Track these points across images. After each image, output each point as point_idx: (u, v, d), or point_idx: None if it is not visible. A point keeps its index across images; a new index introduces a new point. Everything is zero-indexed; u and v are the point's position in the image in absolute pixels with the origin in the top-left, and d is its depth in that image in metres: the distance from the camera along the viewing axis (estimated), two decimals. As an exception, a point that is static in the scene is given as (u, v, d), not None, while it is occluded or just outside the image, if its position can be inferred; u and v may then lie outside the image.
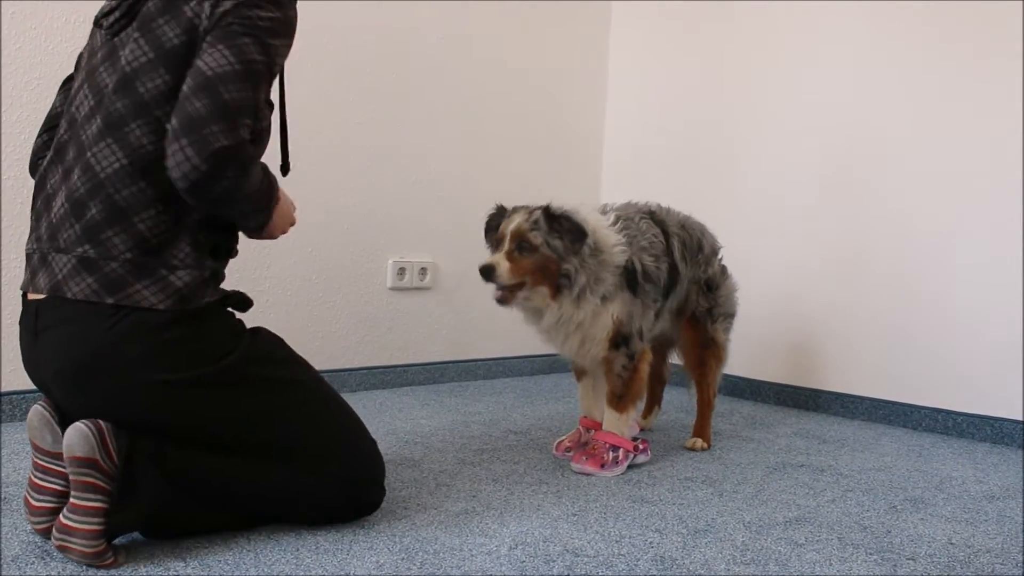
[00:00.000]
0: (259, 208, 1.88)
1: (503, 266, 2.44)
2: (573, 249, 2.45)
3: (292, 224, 2.06)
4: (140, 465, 1.82)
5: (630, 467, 2.67)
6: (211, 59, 1.76)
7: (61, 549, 1.75)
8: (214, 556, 1.84)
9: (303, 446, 1.96)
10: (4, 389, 2.86)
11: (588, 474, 2.56)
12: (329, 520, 2.06)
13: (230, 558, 1.83)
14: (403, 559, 1.88)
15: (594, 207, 2.69)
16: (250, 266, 3.38)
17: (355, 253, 3.69)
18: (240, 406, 1.90)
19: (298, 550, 1.90)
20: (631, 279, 2.57)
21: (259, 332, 2.02)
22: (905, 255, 3.45)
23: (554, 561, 1.91)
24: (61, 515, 1.76)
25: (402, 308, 3.88)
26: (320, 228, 3.57)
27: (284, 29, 1.87)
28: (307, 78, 3.46)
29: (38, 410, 1.86)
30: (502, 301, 2.48)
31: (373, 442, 2.12)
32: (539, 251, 2.44)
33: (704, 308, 2.93)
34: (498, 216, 2.59)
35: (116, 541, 1.83)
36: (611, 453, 2.60)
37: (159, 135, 1.78)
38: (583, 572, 1.86)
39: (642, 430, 3.18)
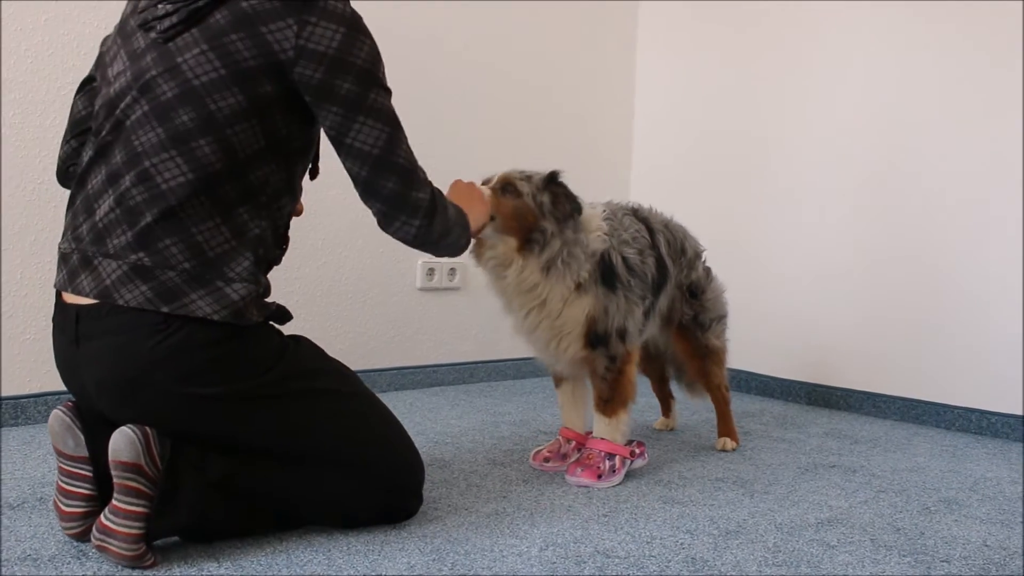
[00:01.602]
0: (463, 226, 2.10)
1: (485, 193, 2.39)
2: (558, 213, 2.40)
3: (485, 209, 2.30)
4: (184, 472, 1.83)
5: (646, 469, 2.66)
6: (367, 137, 1.87)
7: (100, 549, 1.77)
8: (247, 557, 1.85)
9: (343, 454, 1.97)
10: (4, 394, 2.88)
11: (584, 486, 2.46)
12: (364, 525, 2.06)
13: (263, 559, 1.85)
14: (434, 560, 1.89)
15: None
16: (281, 268, 3.38)
17: (385, 254, 3.70)
18: (283, 417, 1.91)
19: (330, 551, 1.91)
20: (607, 272, 2.46)
21: (300, 343, 2.03)
22: (938, 254, 3.42)
23: (585, 562, 1.91)
24: (102, 516, 1.77)
25: (431, 308, 3.89)
26: (350, 230, 3.59)
27: (374, 49, 1.90)
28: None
29: (58, 415, 1.86)
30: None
31: (414, 451, 2.11)
32: (520, 197, 2.38)
33: (690, 316, 2.85)
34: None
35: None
36: (607, 462, 2.50)
37: (228, 153, 1.80)
38: (614, 573, 1.85)
39: (671, 430, 3.19)
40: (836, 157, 3.72)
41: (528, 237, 2.39)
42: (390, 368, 3.74)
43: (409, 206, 1.92)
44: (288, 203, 1.98)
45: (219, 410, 1.84)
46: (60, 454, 1.87)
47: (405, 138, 1.95)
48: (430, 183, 1.98)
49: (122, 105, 1.86)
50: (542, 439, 2.95)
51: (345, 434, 1.98)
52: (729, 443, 2.94)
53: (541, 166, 4.07)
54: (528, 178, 2.42)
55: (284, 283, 3.40)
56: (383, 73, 1.92)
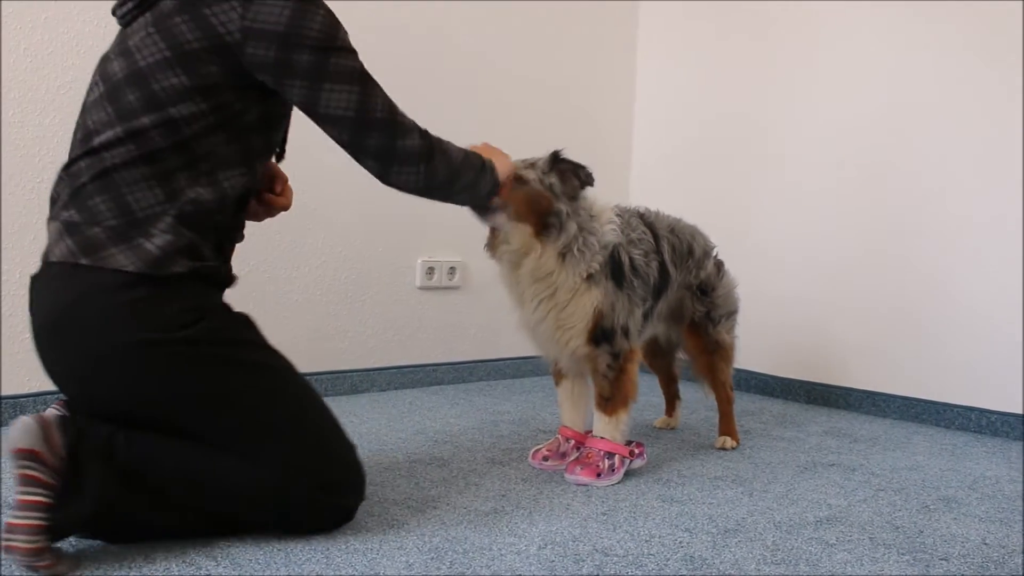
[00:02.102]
0: (479, 169, 2.09)
1: None
2: (571, 189, 2.41)
3: (506, 164, 2.26)
4: (88, 460, 1.75)
5: (645, 467, 2.66)
6: (337, 103, 1.87)
7: (8, 550, 1.67)
8: (245, 555, 1.85)
9: (266, 434, 1.88)
10: (4, 393, 2.87)
11: (584, 485, 2.45)
12: (299, 525, 1.96)
13: (261, 557, 1.85)
14: (432, 559, 1.89)
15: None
16: (281, 267, 3.40)
17: (384, 253, 3.70)
18: (201, 383, 1.84)
19: (328, 549, 1.91)
20: (616, 269, 2.47)
21: (237, 315, 1.98)
22: (938, 252, 3.42)
23: (584, 561, 1.91)
24: (9, 514, 1.69)
25: (431, 307, 3.89)
26: (349, 228, 3.59)
27: (328, 18, 1.88)
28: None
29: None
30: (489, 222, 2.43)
31: (350, 447, 2.02)
32: (530, 184, 2.37)
33: (702, 312, 2.87)
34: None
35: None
36: (606, 461, 2.49)
37: (172, 129, 1.82)
38: (613, 572, 1.85)
39: (671, 429, 3.18)
40: (836, 154, 3.72)
41: (545, 222, 2.39)
42: (389, 367, 3.74)
43: (400, 155, 1.92)
44: (238, 176, 1.93)
45: (131, 361, 1.79)
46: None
47: (379, 91, 1.92)
48: (418, 128, 1.96)
49: (88, 91, 1.94)
50: (541, 438, 2.95)
51: (270, 413, 1.89)
52: (729, 442, 2.94)
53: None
54: (532, 164, 2.42)
55: (283, 282, 3.41)
56: (343, 37, 1.90)
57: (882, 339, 3.59)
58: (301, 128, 3.38)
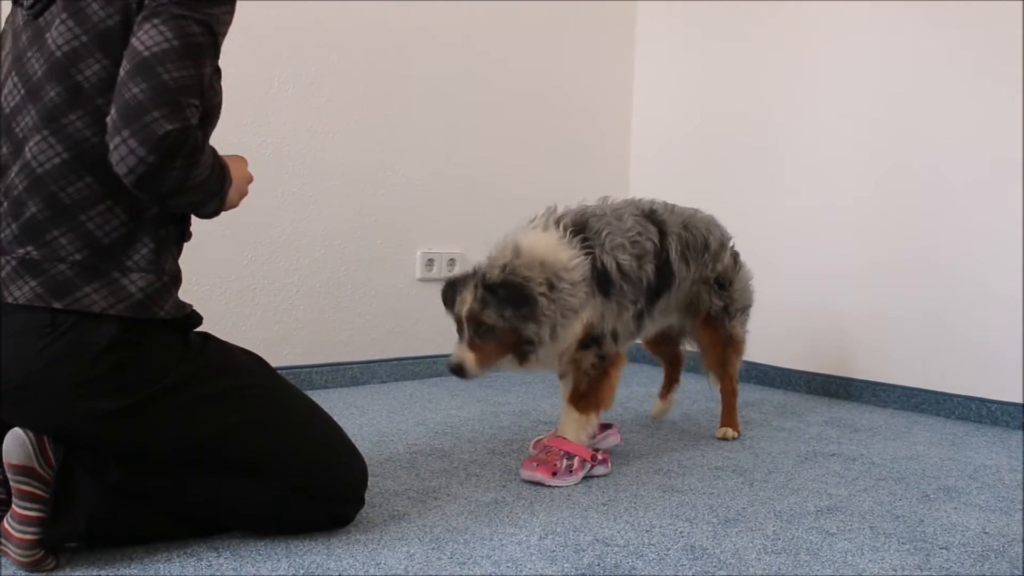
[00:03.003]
0: (212, 194, 1.72)
1: (469, 359, 2.30)
2: (522, 315, 2.29)
3: (244, 196, 1.88)
4: (80, 476, 1.72)
5: (646, 457, 2.66)
6: (146, 37, 1.61)
7: (3, 554, 1.69)
8: (246, 547, 1.86)
9: (264, 460, 1.84)
10: None
11: (537, 482, 2.37)
12: (296, 533, 1.94)
13: (262, 548, 1.85)
14: (433, 549, 1.89)
15: (544, 220, 2.47)
16: (279, 259, 3.40)
17: (383, 245, 3.70)
18: (191, 424, 1.77)
19: (329, 541, 1.91)
20: (602, 280, 2.41)
21: (209, 341, 1.87)
22: (938, 242, 3.41)
23: (584, 551, 1.91)
24: (5, 519, 1.69)
25: (431, 299, 3.86)
26: (348, 220, 3.59)
27: None
28: (336, 74, 3.48)
29: None
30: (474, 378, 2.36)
31: (352, 452, 1.98)
32: (496, 328, 2.29)
33: (720, 306, 2.85)
34: (451, 290, 2.41)
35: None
36: (565, 461, 2.41)
37: (102, 126, 1.64)
38: (613, 562, 1.86)
39: (666, 416, 3.17)
40: (835, 147, 3.72)
41: (521, 352, 2.35)
42: (390, 359, 3.74)
43: (142, 125, 1.55)
44: None
45: (118, 424, 1.71)
46: None
47: (197, 74, 1.65)
48: (190, 123, 1.61)
49: (4, 93, 1.77)
50: (542, 429, 2.95)
51: (267, 438, 1.84)
52: (731, 432, 2.94)
53: (541, 157, 4.10)
54: (483, 301, 2.28)
55: (283, 274, 3.41)
56: (218, 14, 1.70)
57: (882, 329, 3.59)
58: (300, 120, 3.40)
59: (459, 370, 2.31)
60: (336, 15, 3.48)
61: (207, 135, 1.81)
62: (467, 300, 2.32)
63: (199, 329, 1.88)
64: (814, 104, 3.79)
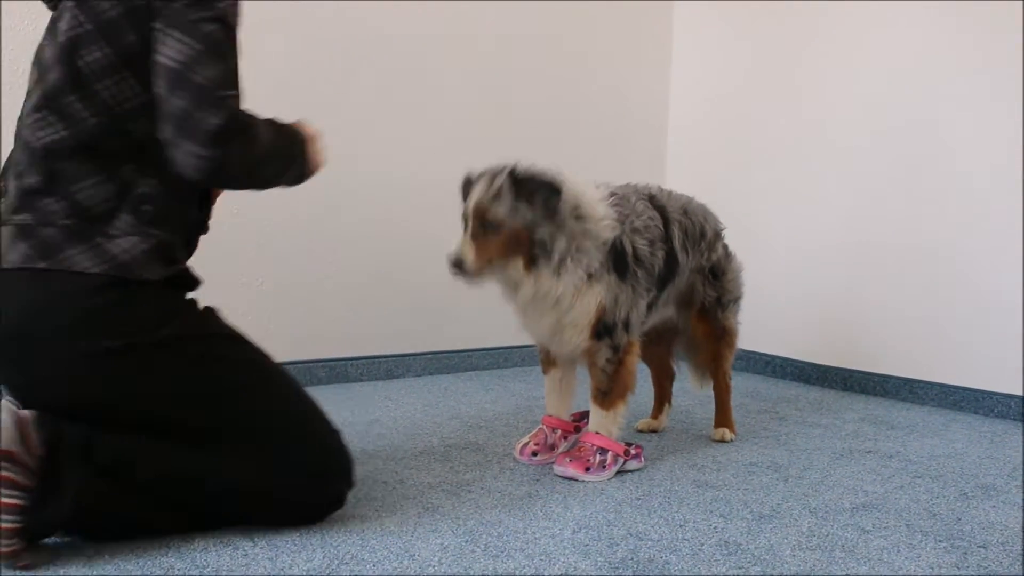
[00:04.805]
0: (291, 157, 1.90)
1: (470, 256, 2.23)
2: (547, 210, 2.23)
3: (322, 153, 2.03)
4: (65, 459, 1.71)
5: (680, 453, 2.65)
6: (171, 51, 1.71)
7: None
8: (282, 537, 1.87)
9: (251, 433, 1.86)
10: None
11: (571, 478, 2.35)
12: (288, 518, 1.93)
13: (297, 539, 1.87)
14: (467, 541, 1.90)
15: (588, 182, 2.45)
16: (315, 254, 3.42)
17: (418, 238, 3.71)
18: (178, 384, 1.81)
19: (363, 531, 1.93)
20: (619, 260, 2.36)
21: (210, 310, 1.94)
22: (975, 239, 3.37)
23: (618, 544, 1.91)
24: None
25: (466, 293, 3.86)
26: (384, 212, 3.60)
27: None
28: (369, 66, 3.49)
29: None
30: (471, 281, 2.29)
31: (335, 432, 1.98)
32: (505, 225, 2.22)
33: (713, 297, 2.75)
34: (467, 185, 2.37)
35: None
36: (598, 456, 2.38)
37: (100, 107, 1.77)
38: (647, 556, 1.86)
39: (653, 431, 2.93)
40: (875, 140, 3.68)
41: (531, 255, 2.27)
42: (425, 352, 3.76)
43: (193, 129, 1.69)
44: None
45: (103, 367, 1.74)
46: None
47: (226, 68, 1.76)
48: (234, 110, 1.74)
49: (29, 79, 1.90)
50: (576, 423, 2.95)
51: (254, 408, 1.87)
52: (728, 434, 2.83)
53: (577, 152, 4.09)
54: (497, 194, 2.24)
55: (318, 268, 3.43)
56: (226, 5, 1.77)
57: (920, 326, 3.55)
58: (336, 114, 3.42)
59: (458, 264, 2.24)
60: (363, 14, 3.49)
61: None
62: (477, 190, 2.27)
63: (209, 306, 1.94)
64: (852, 100, 3.75)
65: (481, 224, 2.24)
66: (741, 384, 3.70)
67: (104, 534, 1.80)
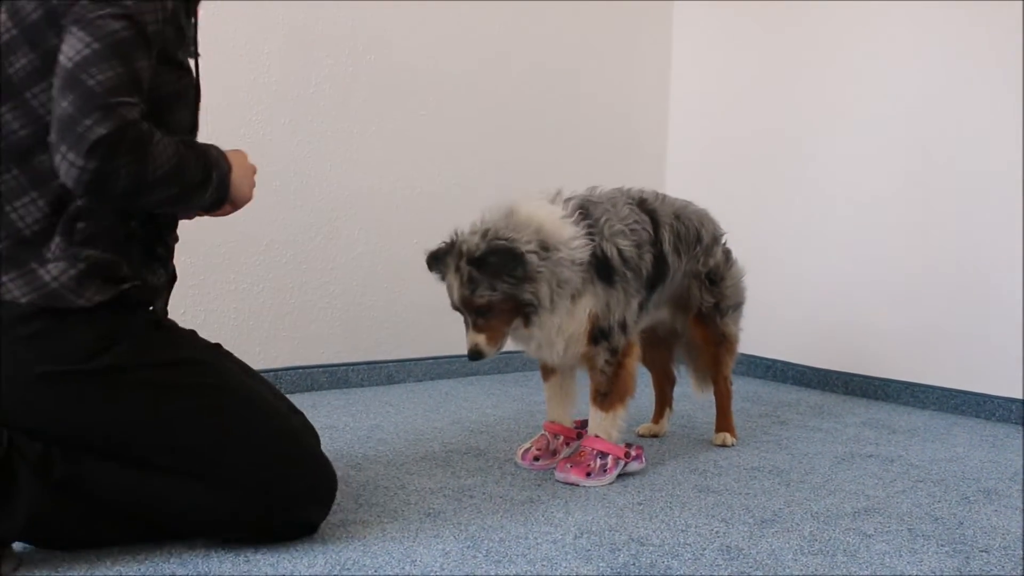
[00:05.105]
0: (195, 184, 1.71)
1: (483, 344, 2.29)
2: (517, 277, 2.23)
3: (254, 187, 1.88)
4: (21, 471, 1.69)
5: (682, 458, 2.65)
6: (68, 48, 1.59)
7: None
8: (283, 543, 1.87)
9: (208, 458, 1.78)
10: None
11: (573, 484, 2.35)
12: (252, 540, 1.86)
13: (299, 544, 1.87)
14: (469, 547, 1.90)
15: (550, 195, 2.43)
16: (317, 259, 3.43)
17: (420, 243, 3.70)
18: (126, 411, 1.73)
19: (365, 537, 1.92)
20: (602, 267, 2.36)
21: (162, 329, 1.85)
22: (976, 243, 3.37)
23: (620, 550, 1.91)
24: None
25: (467, 298, 3.89)
26: (386, 218, 3.60)
27: None
28: (371, 76, 3.50)
29: None
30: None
31: (312, 455, 1.90)
32: (495, 306, 2.26)
33: (711, 303, 2.73)
34: (433, 265, 2.41)
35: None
36: (599, 460, 2.38)
37: (31, 119, 1.66)
38: (648, 561, 1.86)
39: (655, 436, 2.93)
40: (876, 146, 3.68)
41: (524, 315, 2.30)
42: (427, 357, 3.76)
43: (75, 136, 1.54)
44: None
45: (38, 397, 1.68)
46: None
47: (126, 72, 1.60)
48: (126, 121, 1.58)
49: None
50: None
51: (206, 434, 1.78)
52: (729, 438, 2.83)
53: (578, 158, 4.09)
54: (471, 280, 2.25)
55: (320, 273, 3.43)
56: (139, 5, 1.64)
57: (921, 330, 3.55)
58: (337, 121, 3.42)
59: (476, 355, 2.30)
60: (372, 18, 3.50)
61: (177, 121, 1.79)
62: (455, 285, 2.29)
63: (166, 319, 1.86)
64: (853, 104, 3.75)
65: (476, 313, 2.28)
66: (742, 388, 3.70)
67: (57, 544, 1.78)
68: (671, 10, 4.47)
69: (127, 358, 1.73)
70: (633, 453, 2.46)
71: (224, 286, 3.21)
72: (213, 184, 1.74)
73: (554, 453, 2.54)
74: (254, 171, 1.90)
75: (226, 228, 3.11)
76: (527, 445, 2.57)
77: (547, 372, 2.60)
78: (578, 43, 4.15)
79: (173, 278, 1.94)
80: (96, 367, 1.69)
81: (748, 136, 4.15)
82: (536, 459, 2.51)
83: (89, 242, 1.70)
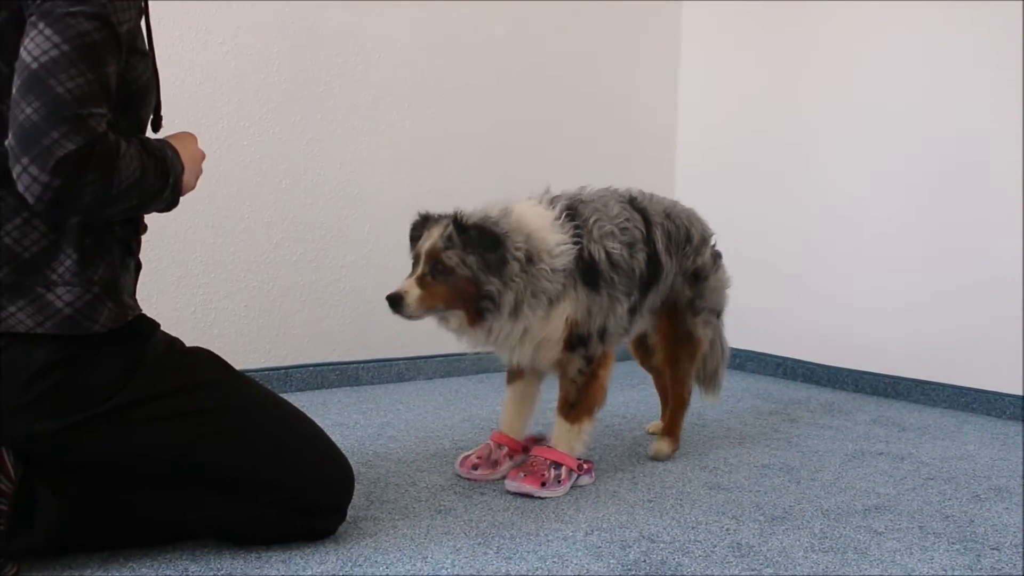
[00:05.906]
0: (154, 191, 1.61)
1: (412, 294, 2.13)
2: (489, 264, 2.14)
3: (199, 175, 1.80)
4: (41, 489, 1.68)
5: (693, 454, 2.65)
6: (34, 46, 1.46)
7: None
8: (295, 543, 1.87)
9: (225, 478, 1.76)
10: None
11: (526, 494, 2.23)
12: (274, 543, 1.85)
13: (311, 544, 1.87)
14: (480, 543, 1.90)
15: (540, 198, 2.35)
16: (326, 257, 3.43)
17: (430, 242, 3.72)
18: (146, 442, 1.69)
19: (376, 534, 1.93)
20: (588, 271, 2.26)
21: (172, 350, 1.79)
22: (985, 240, 3.37)
23: (630, 547, 1.91)
24: None
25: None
26: (396, 215, 3.60)
27: None
28: (379, 75, 3.50)
29: None
30: (411, 318, 2.19)
31: (332, 461, 1.89)
32: (455, 272, 2.14)
33: (687, 298, 2.59)
34: (420, 226, 2.29)
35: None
36: (552, 471, 2.27)
37: (4, 132, 1.52)
38: (659, 558, 1.86)
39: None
40: (881, 149, 3.67)
41: (478, 308, 2.17)
42: (437, 355, 3.76)
43: (41, 149, 1.43)
44: None
45: (61, 444, 1.63)
46: None
47: (96, 78, 1.50)
48: (95, 135, 1.47)
49: None
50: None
51: (227, 458, 1.75)
52: (665, 449, 2.63)
53: (586, 158, 4.09)
54: (449, 239, 2.16)
55: (329, 271, 3.44)
56: (112, 5, 1.53)
57: (931, 327, 3.54)
58: (346, 119, 3.43)
59: (395, 301, 2.14)
60: (377, 19, 3.50)
61: (146, 114, 1.75)
62: (433, 235, 2.19)
63: (171, 339, 1.80)
64: (862, 109, 3.75)
65: (431, 268, 2.17)
66: (752, 386, 3.70)
67: (73, 551, 1.77)
68: (680, 10, 4.46)
69: (145, 390, 1.68)
70: (584, 466, 2.36)
71: (234, 284, 3.22)
72: (169, 188, 1.66)
73: (495, 464, 2.40)
74: (203, 158, 1.82)
75: (236, 226, 3.13)
76: (468, 452, 2.45)
77: (512, 376, 2.51)
78: (586, 44, 4.15)
79: (139, 266, 1.85)
80: (115, 405, 1.65)
81: (759, 136, 4.14)
82: (475, 468, 2.38)
83: (97, 257, 1.64)
